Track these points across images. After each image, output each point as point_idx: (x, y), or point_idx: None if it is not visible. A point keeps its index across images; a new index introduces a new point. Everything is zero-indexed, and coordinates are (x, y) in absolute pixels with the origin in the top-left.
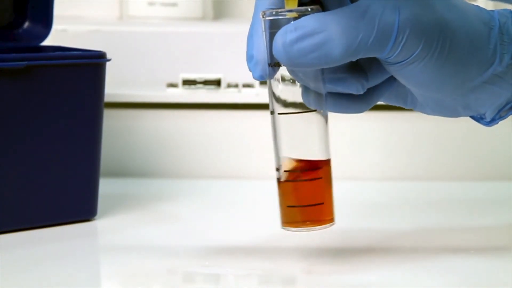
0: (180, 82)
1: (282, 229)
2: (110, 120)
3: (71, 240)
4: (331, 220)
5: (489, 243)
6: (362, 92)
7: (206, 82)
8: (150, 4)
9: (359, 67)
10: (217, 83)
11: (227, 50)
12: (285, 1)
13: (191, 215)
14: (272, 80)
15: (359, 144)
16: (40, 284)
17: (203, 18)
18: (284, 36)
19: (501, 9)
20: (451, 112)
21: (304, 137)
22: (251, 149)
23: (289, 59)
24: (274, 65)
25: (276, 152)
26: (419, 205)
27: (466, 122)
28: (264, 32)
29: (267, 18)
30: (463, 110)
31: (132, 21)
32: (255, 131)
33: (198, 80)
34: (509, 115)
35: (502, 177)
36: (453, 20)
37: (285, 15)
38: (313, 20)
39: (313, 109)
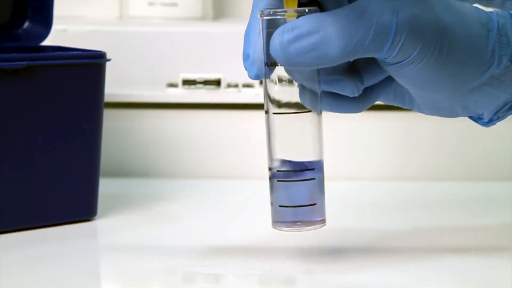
0: (180, 82)
1: (273, 229)
2: (110, 120)
3: (71, 240)
4: (322, 221)
5: (489, 243)
6: (357, 94)
7: (206, 82)
8: (150, 4)
9: (354, 69)
10: (217, 83)
11: (227, 50)
12: (284, 1)
13: (191, 215)
14: (267, 80)
15: (360, 144)
16: (40, 284)
17: (203, 18)
18: (281, 35)
19: (500, 11)
20: (449, 112)
21: (298, 138)
22: (251, 149)
23: (286, 58)
24: (271, 64)
25: (269, 152)
26: (418, 205)
27: (465, 122)
28: (261, 32)
29: (265, 17)
30: (461, 111)
31: (132, 21)
32: (255, 131)
33: (198, 80)
34: (507, 116)
35: (501, 177)
36: (452, 22)
37: (283, 15)
38: (310, 20)
39: (308, 109)
